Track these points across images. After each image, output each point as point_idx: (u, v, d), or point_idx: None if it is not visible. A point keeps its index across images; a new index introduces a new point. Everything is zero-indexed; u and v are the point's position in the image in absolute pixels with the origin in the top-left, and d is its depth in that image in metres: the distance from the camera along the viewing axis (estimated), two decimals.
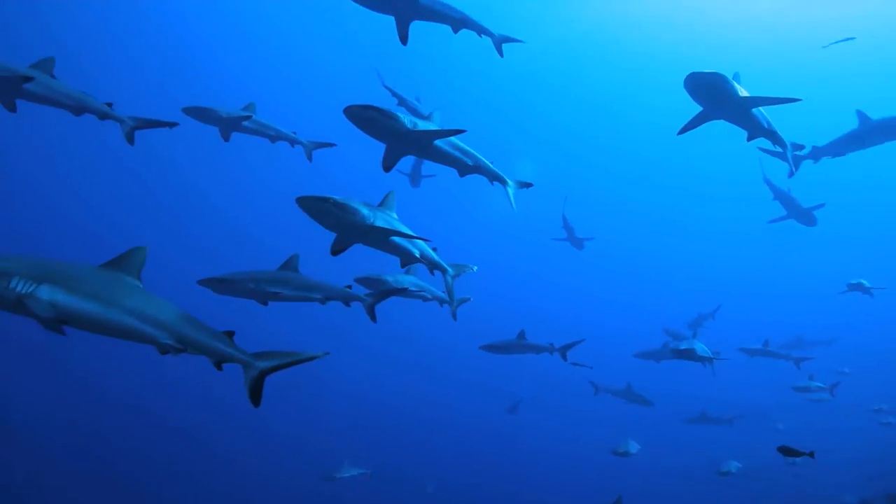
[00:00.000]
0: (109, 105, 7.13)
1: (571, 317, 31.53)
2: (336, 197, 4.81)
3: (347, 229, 5.01)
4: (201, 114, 8.66)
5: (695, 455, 18.37)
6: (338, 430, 20.31)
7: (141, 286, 3.67)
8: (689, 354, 8.60)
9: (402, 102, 12.06)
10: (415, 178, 15.38)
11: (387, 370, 25.80)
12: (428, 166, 15.10)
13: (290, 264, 6.61)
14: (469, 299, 8.75)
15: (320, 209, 4.73)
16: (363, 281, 7.42)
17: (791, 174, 8.95)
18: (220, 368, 4.02)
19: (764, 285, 35.18)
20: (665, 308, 33.35)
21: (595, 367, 11.22)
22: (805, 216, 13.33)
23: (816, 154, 10.18)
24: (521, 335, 10.11)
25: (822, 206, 13.15)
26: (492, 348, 10.11)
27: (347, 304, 6.89)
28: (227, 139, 9.16)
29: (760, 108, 6.94)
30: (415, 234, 5.54)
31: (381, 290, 6.94)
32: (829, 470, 16.79)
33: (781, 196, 13.40)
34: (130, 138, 7.37)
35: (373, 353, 24.37)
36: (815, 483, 16.77)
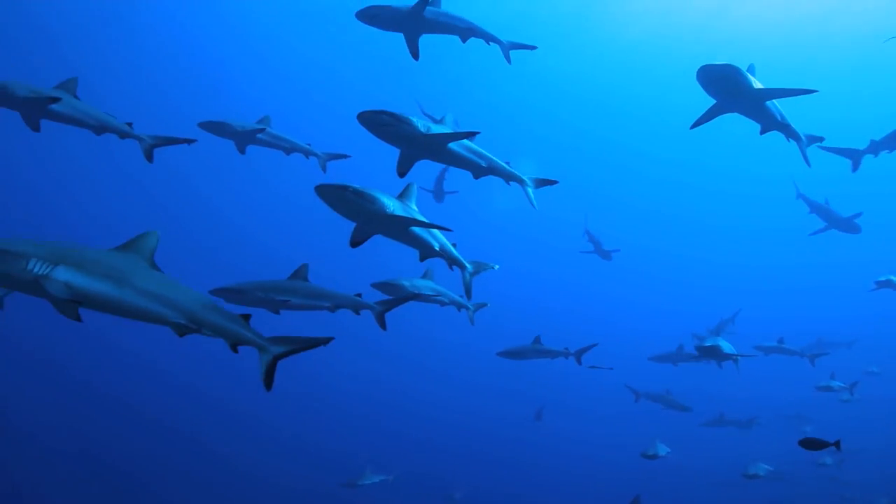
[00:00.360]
0: (129, 125, 7.36)
1: (588, 319, 31.39)
2: (355, 185, 4.74)
3: (366, 218, 4.91)
4: (217, 128, 8.88)
5: (719, 457, 18.06)
6: (358, 436, 20.34)
7: (153, 268, 3.71)
8: (713, 352, 8.54)
9: None
10: (438, 193, 15.64)
11: (405, 375, 25.84)
12: (451, 182, 15.25)
13: (300, 274, 6.66)
14: (486, 304, 8.78)
15: (339, 197, 4.63)
16: (380, 286, 7.46)
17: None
18: (235, 350, 4.05)
19: (785, 284, 34.60)
20: (683, 308, 32.96)
21: (615, 369, 11.21)
22: (847, 225, 13.14)
23: (875, 148, 9.99)
24: (537, 340, 10.23)
25: (860, 214, 12.96)
26: (508, 354, 10.25)
27: (357, 313, 6.93)
28: (242, 152, 9.37)
29: (774, 100, 6.82)
30: (435, 224, 5.39)
31: (390, 300, 6.94)
32: (862, 470, 16.39)
33: (819, 209, 13.22)
34: (150, 156, 7.58)
35: (390, 358, 24.39)
36: (847, 485, 16.35)
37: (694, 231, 37.90)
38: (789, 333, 14.25)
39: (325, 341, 4.22)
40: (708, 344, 8.54)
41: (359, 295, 6.86)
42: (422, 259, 5.80)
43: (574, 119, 35.90)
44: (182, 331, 3.73)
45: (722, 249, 37.20)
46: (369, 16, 6.78)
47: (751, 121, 7.09)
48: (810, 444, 6.52)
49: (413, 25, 6.94)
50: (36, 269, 3.14)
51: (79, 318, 3.49)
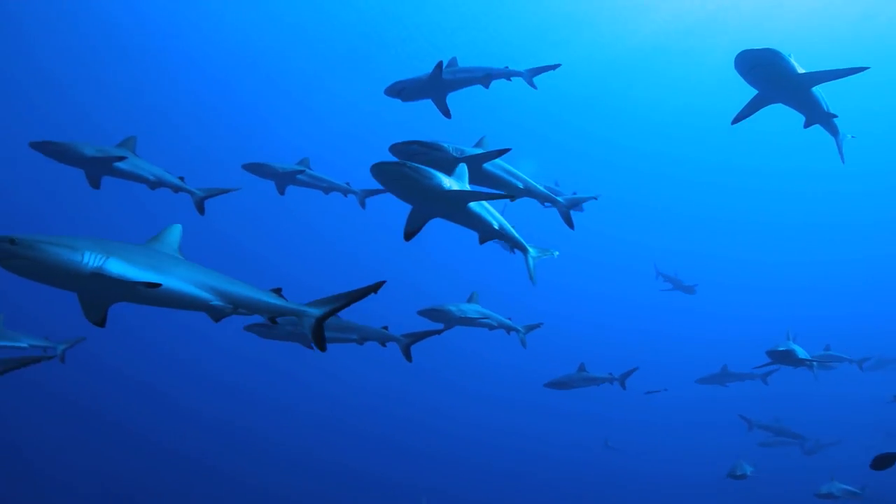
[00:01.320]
0: (182, 178, 7.83)
1: (619, 329, 30.71)
2: (411, 163, 4.75)
3: (424, 196, 4.72)
4: (259, 169, 9.39)
5: (788, 475, 17.16)
6: (416, 465, 20.17)
7: (182, 258, 3.98)
8: (787, 357, 8.27)
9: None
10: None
11: (444, 395, 25.61)
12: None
13: None
14: (541, 325, 8.74)
15: (397, 174, 4.55)
16: (426, 313, 7.57)
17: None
18: (274, 322, 4.23)
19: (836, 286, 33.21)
20: (719, 313, 31.73)
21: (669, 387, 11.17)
22: None
23: None
24: (581, 368, 10.33)
25: None
26: (555, 385, 10.36)
27: (383, 345, 7.03)
28: (282, 193, 9.83)
29: (819, 88, 6.38)
30: (496, 194, 5.10)
31: (417, 333, 6.99)
32: None
33: None
34: (201, 208, 8.07)
35: (420, 375, 24.15)
36: None
37: (730, 233, 36.83)
38: (846, 344, 13.72)
39: (375, 288, 4.14)
40: (782, 349, 8.28)
41: (385, 327, 6.98)
42: (481, 241, 5.64)
43: (601, 130, 35.66)
44: (219, 314, 3.89)
45: (759, 252, 35.97)
46: (396, 91, 7.50)
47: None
48: (883, 461, 6.00)
49: (436, 90, 7.55)
50: (91, 263, 3.31)
51: (103, 324, 3.71)
